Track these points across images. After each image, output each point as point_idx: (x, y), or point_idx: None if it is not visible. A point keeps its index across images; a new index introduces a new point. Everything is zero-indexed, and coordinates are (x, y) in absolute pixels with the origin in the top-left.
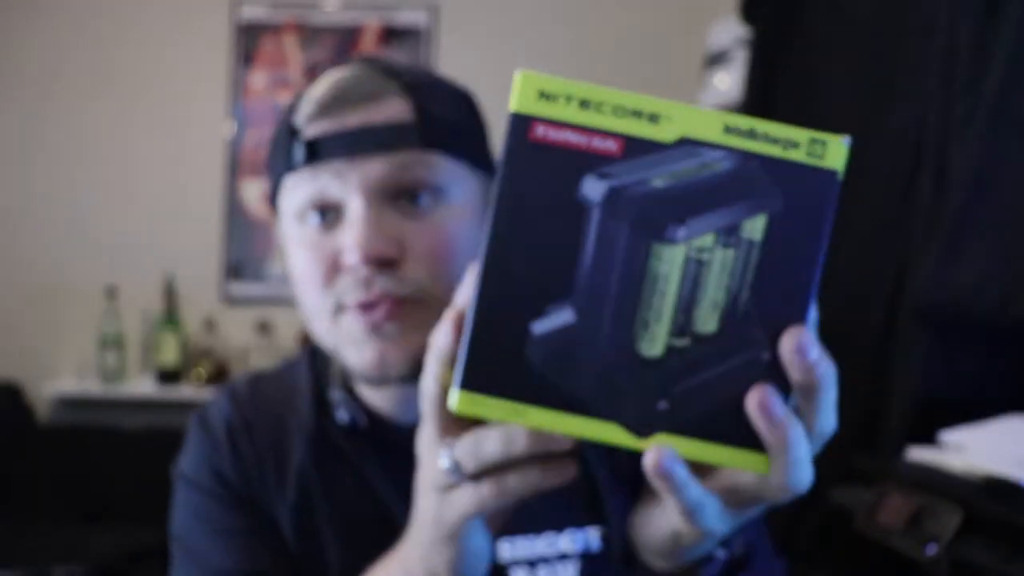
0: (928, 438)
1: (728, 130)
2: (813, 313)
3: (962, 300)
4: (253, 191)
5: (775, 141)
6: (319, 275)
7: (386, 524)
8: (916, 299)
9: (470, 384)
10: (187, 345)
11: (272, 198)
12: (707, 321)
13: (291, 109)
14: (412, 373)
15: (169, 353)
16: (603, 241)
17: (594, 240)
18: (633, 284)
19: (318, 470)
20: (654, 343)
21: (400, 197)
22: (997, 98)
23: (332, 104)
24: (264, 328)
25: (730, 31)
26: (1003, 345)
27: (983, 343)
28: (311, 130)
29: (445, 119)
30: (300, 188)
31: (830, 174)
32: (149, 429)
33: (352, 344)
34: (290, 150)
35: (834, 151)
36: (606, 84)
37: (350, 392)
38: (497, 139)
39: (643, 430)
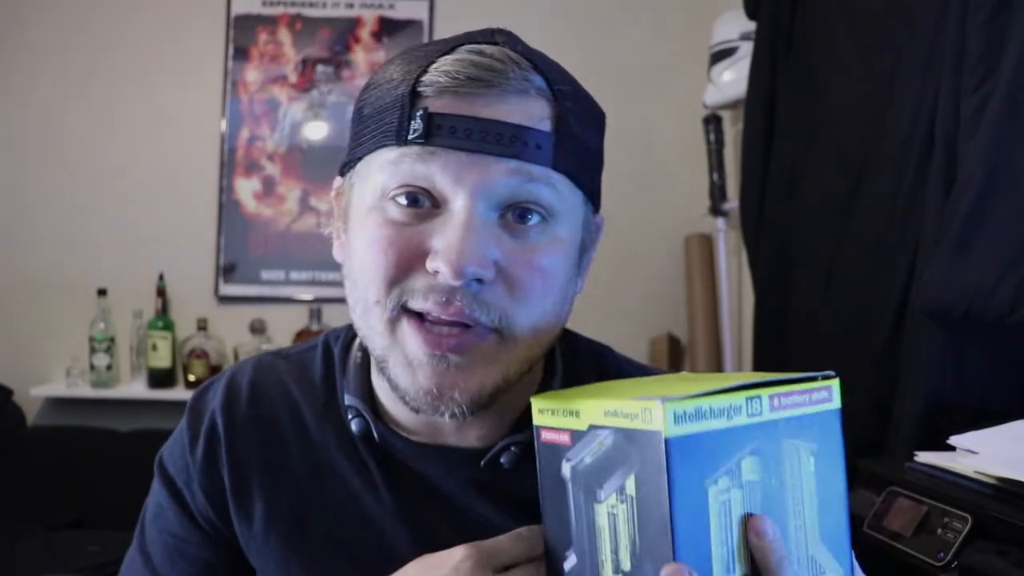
0: (937, 442)
1: (606, 414)
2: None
3: (972, 302)
4: (247, 189)
5: (626, 416)
6: (391, 264)
7: (370, 539)
8: (925, 301)
9: None
10: (180, 346)
11: (352, 158)
12: (625, 560)
13: (415, 69)
14: (468, 411)
15: (161, 354)
16: (576, 504)
17: (571, 504)
18: (593, 535)
19: (313, 479)
20: None
21: (509, 210)
22: (1008, 96)
23: (467, 83)
24: (258, 329)
25: (736, 26)
26: (1013, 347)
27: (993, 345)
28: (437, 104)
29: (580, 140)
30: (401, 166)
31: (654, 435)
32: (141, 431)
33: (404, 361)
34: (404, 119)
35: (657, 415)
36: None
37: (368, 396)
38: None
39: None
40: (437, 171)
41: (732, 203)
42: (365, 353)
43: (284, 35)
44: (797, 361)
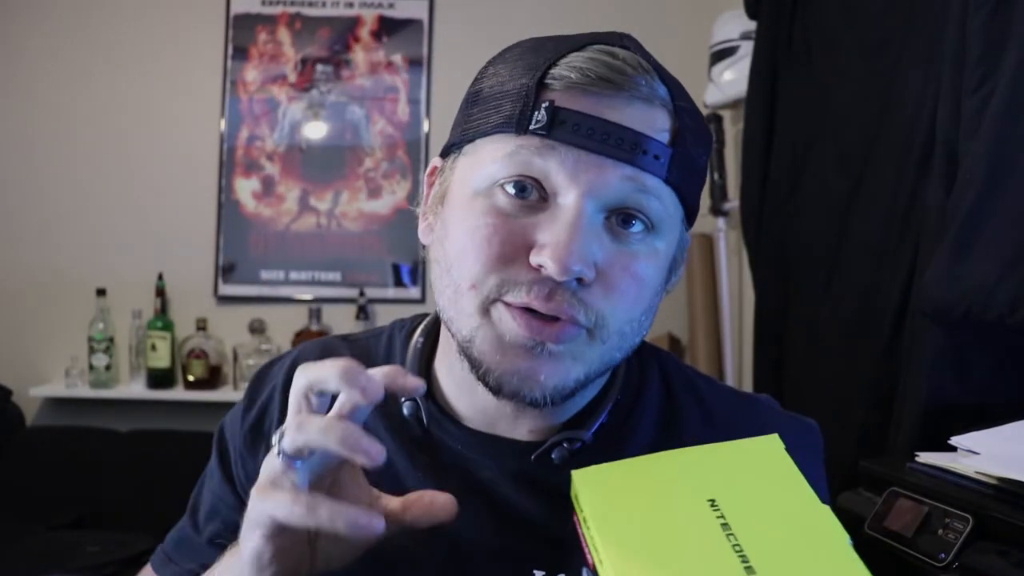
0: (938, 443)
1: None
2: None
3: (973, 302)
4: (246, 188)
5: None
6: (495, 251)
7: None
8: (925, 301)
9: None
10: (179, 346)
11: (463, 139)
12: None
13: (544, 61)
14: (550, 399)
15: (161, 354)
16: None
17: None
18: None
19: None
20: None
21: (615, 213)
22: (1008, 95)
23: (597, 83)
24: (257, 329)
25: (736, 25)
26: (1015, 348)
27: (994, 345)
28: (564, 99)
29: (692, 158)
30: (517, 157)
31: None
32: (141, 431)
33: (495, 340)
34: (527, 109)
35: None
36: None
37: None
38: None
39: None
40: (554, 166)
41: (732, 203)
42: (427, 339)
43: (283, 34)
44: (797, 361)
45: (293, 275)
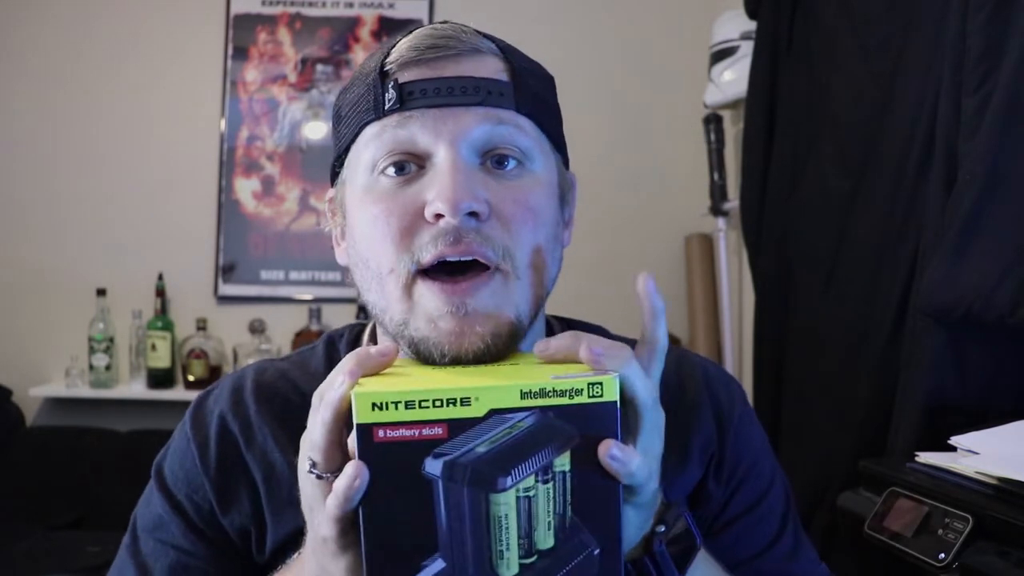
0: (938, 442)
1: (523, 395)
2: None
3: (972, 302)
4: (246, 188)
5: (562, 393)
6: (395, 230)
7: None
8: (926, 301)
9: None
10: (179, 346)
11: (339, 157)
12: (545, 539)
13: (379, 56)
14: (491, 345)
15: (161, 354)
16: (450, 503)
17: (443, 504)
18: (482, 528)
19: None
20: (510, 566)
21: (487, 157)
22: (1008, 95)
23: (428, 52)
24: (257, 329)
25: (736, 25)
26: (1015, 347)
27: (994, 345)
28: (406, 75)
29: (536, 91)
30: (384, 136)
31: (610, 405)
32: (140, 431)
33: (425, 317)
34: (379, 95)
35: (609, 387)
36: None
37: None
38: None
39: None
40: (417, 130)
41: (732, 203)
42: (374, 341)
43: (284, 34)
44: (797, 361)
45: (293, 275)
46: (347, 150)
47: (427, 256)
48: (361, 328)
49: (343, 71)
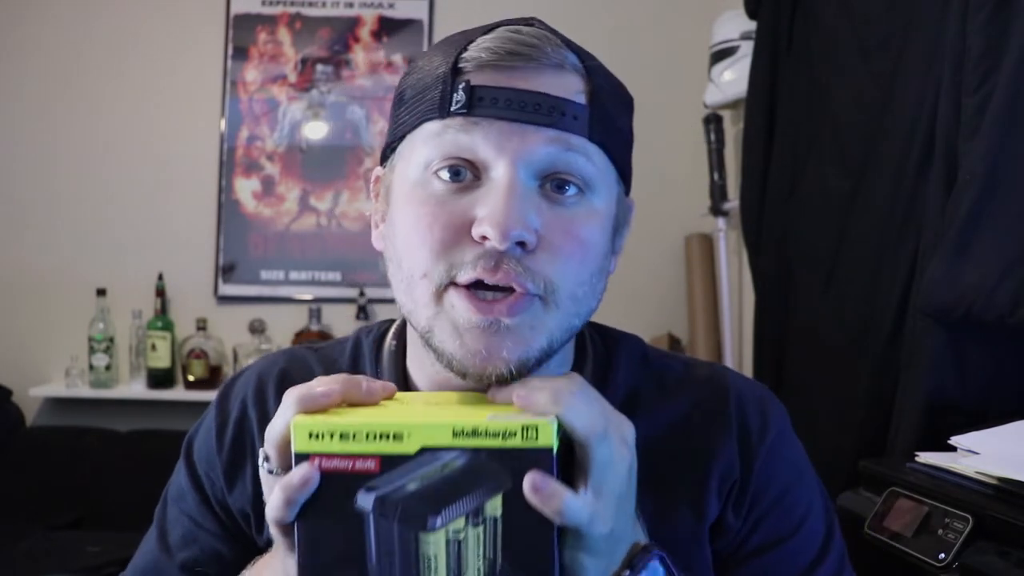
0: (938, 442)
1: (456, 434)
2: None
3: (973, 302)
4: (246, 188)
5: (495, 435)
6: (437, 237)
7: None
8: (926, 301)
9: None
10: (179, 346)
11: (393, 141)
12: None
13: (455, 49)
14: (515, 371)
15: (161, 354)
16: (380, 538)
17: (374, 538)
18: (410, 566)
19: None
20: None
21: (547, 180)
22: (1008, 95)
23: (507, 59)
24: (257, 329)
25: (736, 25)
26: (1015, 347)
27: (994, 345)
28: (479, 78)
29: (612, 116)
30: (444, 137)
31: (545, 451)
32: (141, 431)
33: (451, 328)
34: (447, 93)
35: (544, 432)
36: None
37: (402, 383)
38: None
39: None
40: (480, 140)
41: (732, 203)
42: (400, 341)
43: (284, 34)
44: (797, 361)
45: (293, 275)
46: (403, 137)
47: (464, 276)
48: (388, 326)
49: (343, 71)
